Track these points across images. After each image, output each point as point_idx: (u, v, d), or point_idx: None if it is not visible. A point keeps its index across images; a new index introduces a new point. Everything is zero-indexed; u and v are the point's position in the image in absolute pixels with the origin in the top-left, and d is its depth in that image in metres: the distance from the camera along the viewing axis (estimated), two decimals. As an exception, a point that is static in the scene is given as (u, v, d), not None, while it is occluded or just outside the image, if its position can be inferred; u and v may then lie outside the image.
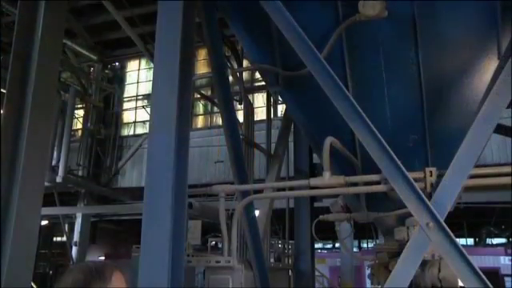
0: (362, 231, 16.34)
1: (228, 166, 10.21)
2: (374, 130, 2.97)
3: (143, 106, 15.84)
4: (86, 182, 13.96)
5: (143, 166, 12.66)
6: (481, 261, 12.86)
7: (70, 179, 12.97)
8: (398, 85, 3.72)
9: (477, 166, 3.05)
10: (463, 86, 3.72)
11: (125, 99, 16.72)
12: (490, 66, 3.60)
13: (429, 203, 2.81)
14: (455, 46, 3.62)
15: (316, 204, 6.62)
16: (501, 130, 5.49)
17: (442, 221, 2.78)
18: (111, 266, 1.70)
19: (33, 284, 10.78)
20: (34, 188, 3.61)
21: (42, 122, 3.73)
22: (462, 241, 18.24)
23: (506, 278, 13.03)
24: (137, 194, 13.34)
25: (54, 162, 12.20)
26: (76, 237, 14.08)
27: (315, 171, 6.31)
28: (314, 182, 3.37)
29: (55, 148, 12.27)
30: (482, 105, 2.96)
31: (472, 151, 2.89)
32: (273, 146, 7.65)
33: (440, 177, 2.97)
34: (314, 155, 6.59)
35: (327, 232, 5.72)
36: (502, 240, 18.78)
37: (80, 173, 14.08)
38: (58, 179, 12.12)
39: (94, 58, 15.33)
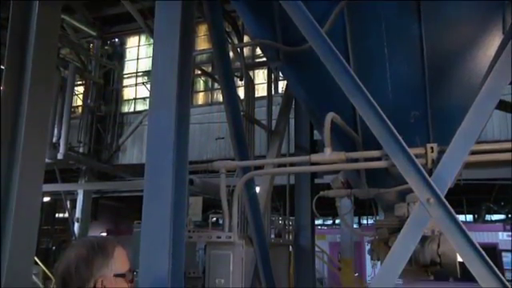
0: (362, 208, 16.43)
1: (229, 142, 10.21)
2: (376, 105, 2.96)
3: (143, 83, 15.76)
4: (87, 159, 13.99)
5: (144, 142, 12.69)
6: (479, 237, 12.98)
7: (71, 156, 13.00)
8: (400, 60, 3.68)
9: (477, 143, 3.05)
10: (466, 61, 3.68)
11: (125, 76, 16.63)
12: (494, 41, 3.55)
13: (429, 179, 2.81)
14: (459, 21, 3.57)
15: (316, 180, 6.64)
16: (502, 106, 5.46)
17: (442, 197, 2.79)
18: (113, 242, 1.71)
19: (36, 259, 10.89)
20: (34, 164, 3.61)
21: (42, 97, 3.70)
22: (461, 217, 18.35)
23: (504, 254, 13.18)
24: (138, 170, 13.38)
25: (54, 139, 12.20)
26: (78, 213, 14.19)
27: (316, 148, 6.30)
28: (314, 158, 3.37)
29: (56, 125, 12.26)
30: (485, 80, 2.94)
31: (474, 127, 2.88)
32: (273, 122, 7.64)
33: (441, 153, 2.96)
34: (315, 132, 6.57)
35: (327, 208, 5.75)
36: (501, 216, 18.92)
37: (81, 150, 14.11)
38: (59, 156, 12.14)
39: (94, 33, 15.18)
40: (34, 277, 11.17)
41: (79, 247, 1.64)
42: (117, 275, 1.63)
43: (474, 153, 3.01)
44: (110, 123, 15.15)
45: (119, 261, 1.66)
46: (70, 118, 12.79)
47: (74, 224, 14.11)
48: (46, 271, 12.31)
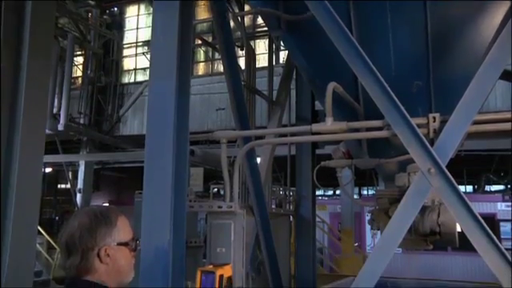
0: (362, 178, 16.51)
1: (230, 113, 10.17)
2: (378, 74, 2.93)
3: (143, 53, 15.61)
4: (88, 130, 13.99)
5: (144, 113, 12.64)
6: (478, 207, 13.09)
7: (72, 127, 12.99)
8: (403, 30, 3.62)
9: (479, 113, 3.03)
10: (470, 30, 3.63)
11: (124, 46, 16.46)
12: (500, 9, 3.48)
13: (431, 149, 2.81)
14: (464, -11, 3.50)
15: (317, 151, 6.64)
16: (506, 76, 5.40)
17: (443, 167, 2.79)
18: (116, 211, 1.72)
19: (40, 229, 11.03)
20: (35, 135, 3.60)
21: (40, 68, 3.67)
22: (461, 188, 18.38)
23: (502, 223, 13.32)
24: (139, 141, 13.40)
25: (55, 110, 12.17)
26: (79, 184, 14.27)
27: (317, 118, 6.28)
28: (316, 127, 3.36)
29: (56, 96, 12.20)
30: (489, 50, 2.90)
31: (477, 97, 2.86)
32: (274, 93, 7.59)
33: (443, 123, 2.95)
34: (316, 102, 6.54)
35: (328, 179, 5.78)
36: (501, 187, 19.02)
37: (82, 121, 14.08)
38: (60, 127, 12.14)
39: (92, 2, 14.96)
40: (38, 246, 11.34)
41: (82, 216, 1.64)
42: (120, 244, 1.64)
43: (475, 123, 3.00)
44: (111, 94, 15.08)
45: (122, 230, 1.67)
46: (70, 88, 12.72)
47: (76, 195, 14.22)
48: (50, 241, 12.48)
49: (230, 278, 1.89)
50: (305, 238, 6.35)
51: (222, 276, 1.85)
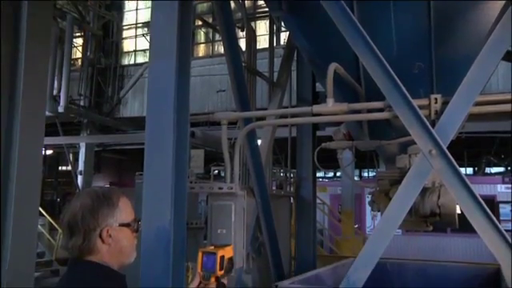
0: (362, 160, 16.53)
1: (230, 95, 10.13)
2: (379, 55, 2.90)
3: (143, 35, 15.49)
4: (88, 112, 13.96)
5: (144, 95, 12.58)
6: (478, 189, 13.12)
7: (72, 109, 12.97)
8: (405, 10, 3.58)
9: (481, 95, 3.01)
10: (474, 11, 3.59)
11: (124, 27, 16.33)
12: (504, -11, 3.44)
13: (432, 130, 2.80)
14: (467, -32, 3.45)
15: (318, 133, 6.63)
16: (509, 57, 5.36)
17: (444, 148, 2.78)
18: (117, 191, 1.71)
19: (42, 210, 11.09)
20: (35, 117, 3.59)
21: (39, 48, 3.64)
22: (461, 170, 18.45)
23: (502, 205, 13.39)
24: (139, 123, 13.38)
25: (55, 92, 12.12)
26: (81, 166, 14.30)
27: (318, 100, 6.25)
28: (316, 108, 3.34)
29: (55, 77, 12.15)
30: (493, 31, 2.87)
31: (479, 78, 2.84)
32: (275, 75, 7.55)
33: (445, 104, 2.93)
34: (317, 84, 6.51)
35: (329, 161, 5.78)
36: (501, 169, 19.05)
37: (82, 103, 14.05)
38: (60, 109, 12.10)
39: (91, -18, 14.80)
40: (40, 228, 11.42)
41: (84, 197, 1.64)
42: (122, 225, 1.64)
43: (476, 104, 2.98)
44: (111, 76, 15.01)
45: (124, 210, 1.67)
46: (69, 70, 12.65)
47: (77, 177, 14.25)
48: (52, 222, 12.56)
49: (231, 259, 1.90)
50: (305, 220, 6.37)
51: (223, 257, 1.85)
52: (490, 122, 9.96)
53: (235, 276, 4.67)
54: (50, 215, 12.62)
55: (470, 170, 20.40)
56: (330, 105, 3.26)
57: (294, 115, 4.47)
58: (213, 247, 1.90)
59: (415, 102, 2.87)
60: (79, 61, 15.13)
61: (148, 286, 3.15)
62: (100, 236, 1.59)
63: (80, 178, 14.14)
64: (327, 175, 23.69)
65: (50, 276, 11.09)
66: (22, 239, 3.27)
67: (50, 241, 12.52)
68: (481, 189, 13.36)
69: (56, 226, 12.22)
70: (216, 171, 8.44)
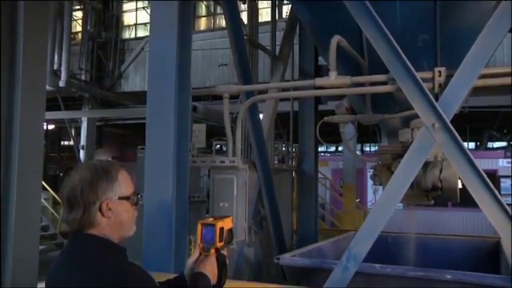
0: (364, 135, 16.50)
1: (232, 69, 10.05)
2: (383, 27, 2.86)
3: (144, 8, 15.30)
4: (90, 87, 13.89)
5: (146, 69, 12.47)
6: (480, 164, 13.13)
7: (73, 83, 12.90)
8: (410, -20, 3.52)
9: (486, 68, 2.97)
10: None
11: (124, 0, 16.11)
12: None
13: (436, 103, 2.78)
14: None
15: (320, 107, 6.60)
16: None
17: (448, 122, 2.76)
18: (116, 165, 1.70)
19: (45, 184, 11.15)
20: (35, 91, 3.56)
21: (38, 22, 3.58)
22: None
23: (503, 179, 13.42)
24: (141, 97, 13.32)
25: (55, 66, 12.04)
26: (82, 141, 14.31)
27: (320, 73, 6.20)
28: (319, 82, 3.31)
29: (56, 52, 12.05)
30: (499, 3, 2.81)
31: (484, 51, 2.80)
32: (277, 48, 7.47)
33: (449, 77, 2.90)
34: (320, 58, 6.45)
35: (331, 135, 5.77)
36: (503, 144, 19.03)
37: (83, 77, 13.97)
38: (61, 83, 12.04)
39: (90, -46, 14.53)
40: (44, 202, 11.51)
41: (83, 171, 1.63)
42: (121, 198, 1.64)
43: (480, 77, 2.95)
44: (111, 50, 14.87)
45: (123, 184, 1.66)
46: (69, 44, 12.53)
47: (79, 151, 14.28)
48: (56, 196, 12.65)
49: (230, 230, 1.89)
50: (307, 194, 6.40)
51: (222, 228, 1.84)
52: (493, 97, 9.89)
53: (237, 249, 4.72)
54: (53, 189, 12.69)
55: (472, 145, 20.39)
56: (333, 78, 3.23)
57: (296, 88, 4.44)
58: (212, 219, 1.89)
59: (419, 75, 2.84)
60: (79, 35, 14.98)
61: (151, 259, 3.18)
62: (100, 209, 1.59)
63: (82, 153, 14.17)
64: (329, 150, 23.72)
65: (54, 249, 11.24)
66: (25, 214, 3.29)
67: (54, 215, 12.64)
68: (482, 163, 13.36)
69: (59, 200, 12.30)
70: (218, 146, 8.44)
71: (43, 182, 4.92)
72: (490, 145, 19.12)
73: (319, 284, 3.04)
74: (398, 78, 2.88)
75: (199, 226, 1.86)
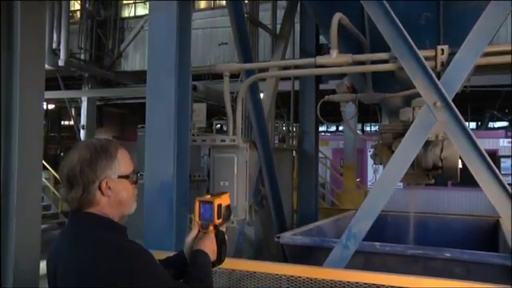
0: (365, 115, 16.46)
1: (232, 48, 9.97)
2: (386, 4, 2.82)
3: (143, -14, 15.11)
4: (89, 66, 13.79)
5: (146, 48, 12.37)
6: (481, 143, 13.13)
7: (73, 63, 12.80)
8: (413, -44, 3.46)
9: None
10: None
11: (123, -22, 15.90)
12: None
13: (438, 82, 2.76)
14: None
15: (321, 86, 6.56)
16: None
17: (450, 100, 2.75)
18: (115, 143, 1.70)
19: (46, 164, 11.18)
20: (34, 69, 3.54)
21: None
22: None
23: (503, 159, 13.44)
24: (141, 77, 13.25)
25: (54, 45, 11.94)
26: (83, 120, 14.29)
27: (321, 52, 6.14)
28: (320, 60, 3.29)
29: (54, 30, 11.94)
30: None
31: (488, 28, 2.76)
32: (278, 27, 7.38)
33: (451, 55, 2.87)
34: (321, 37, 6.38)
35: (331, 115, 5.75)
36: (504, 124, 18.99)
37: (82, 56, 13.87)
38: (60, 63, 11.95)
39: None
40: (45, 181, 11.55)
41: (82, 150, 1.63)
42: (121, 176, 1.64)
43: (484, 55, 2.92)
44: (111, 28, 14.71)
45: (123, 162, 1.65)
46: (68, 23, 12.41)
47: (79, 131, 14.27)
48: (57, 176, 12.68)
49: (228, 207, 1.89)
50: (307, 173, 6.41)
51: (220, 205, 1.84)
52: (495, 76, 9.82)
53: (238, 228, 4.74)
54: (53, 169, 12.73)
55: (472, 125, 20.36)
56: (334, 56, 3.20)
57: (297, 67, 4.41)
58: (209, 196, 1.89)
59: (421, 53, 2.81)
60: (78, 13, 14.81)
61: (152, 237, 3.20)
62: (99, 188, 1.59)
63: (83, 133, 14.16)
64: (330, 129, 23.70)
65: (56, 228, 11.32)
66: (27, 193, 3.30)
67: (55, 194, 12.70)
68: (483, 143, 13.31)
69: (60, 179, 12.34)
70: (218, 125, 8.44)
71: (44, 162, 4.92)
72: (490, 125, 19.09)
73: (319, 262, 3.06)
74: (399, 56, 2.85)
75: (197, 204, 1.86)
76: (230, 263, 2.94)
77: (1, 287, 3.13)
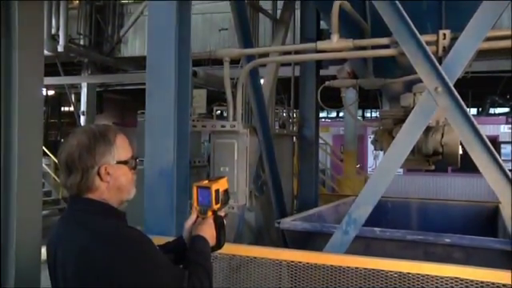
0: (366, 101, 16.44)
1: (233, 33, 9.91)
2: (388, -12, 2.79)
3: (142, -30, 14.96)
4: (89, 52, 13.73)
5: (146, 34, 12.24)
6: (481, 129, 13.11)
7: (72, 48, 12.73)
8: None
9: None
10: None
11: (122, -38, 15.74)
12: None
13: (439, 67, 2.74)
14: None
15: (322, 72, 6.52)
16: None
17: (451, 85, 2.73)
18: (114, 129, 1.69)
19: (46, 150, 11.19)
20: (33, 54, 3.51)
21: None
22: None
23: (503, 145, 13.45)
24: (141, 63, 13.19)
25: (53, 31, 11.87)
26: (83, 106, 14.26)
27: (322, 37, 6.09)
28: (321, 45, 3.26)
29: (53, 16, 11.86)
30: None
31: (491, 12, 2.73)
32: (279, 12, 7.32)
33: (454, 40, 2.85)
34: (322, 23, 6.33)
35: (332, 101, 5.72)
36: (505, 110, 18.95)
37: (81, 42, 13.79)
38: (59, 48, 11.89)
39: None
40: (46, 167, 11.57)
41: (80, 135, 1.62)
42: (120, 162, 1.63)
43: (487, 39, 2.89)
44: (110, 14, 14.60)
45: (121, 148, 1.65)
46: (67, 8, 12.33)
47: (79, 117, 14.26)
48: (57, 162, 12.71)
49: (226, 191, 1.89)
50: (307, 159, 6.40)
51: (217, 190, 1.84)
52: (497, 61, 9.77)
53: (238, 213, 4.75)
54: (54, 155, 12.74)
55: (473, 111, 20.31)
56: (335, 41, 3.17)
57: (297, 52, 4.38)
58: (207, 181, 1.89)
59: (423, 38, 2.79)
60: (76, -3, 14.71)
61: (152, 223, 3.21)
62: (98, 174, 1.59)
63: (83, 119, 14.15)
64: (330, 115, 23.67)
65: (57, 214, 11.37)
66: (27, 179, 3.30)
67: (56, 180, 12.73)
68: (483, 129, 13.30)
69: (60, 165, 12.34)
70: (218, 111, 8.42)
71: (44, 148, 4.91)
72: (491, 111, 19.04)
73: (319, 248, 3.07)
74: (401, 41, 2.83)
75: (194, 189, 1.86)
76: (230, 249, 2.95)
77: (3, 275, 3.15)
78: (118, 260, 1.46)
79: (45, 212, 9.64)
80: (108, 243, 1.49)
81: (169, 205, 3.18)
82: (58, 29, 11.97)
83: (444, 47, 2.90)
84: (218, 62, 6.62)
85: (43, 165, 8.32)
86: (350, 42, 3.18)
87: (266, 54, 4.94)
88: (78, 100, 14.79)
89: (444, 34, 2.91)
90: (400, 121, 3.65)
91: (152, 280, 1.48)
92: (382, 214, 4.74)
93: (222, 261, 2.97)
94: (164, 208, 3.20)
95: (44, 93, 16.12)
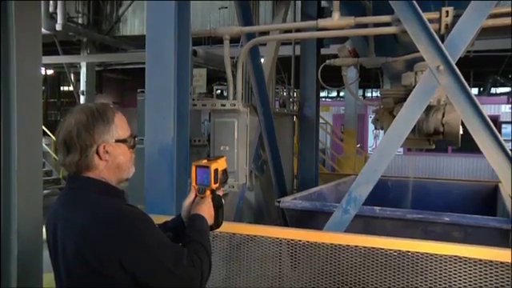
0: (366, 80, 16.32)
1: (233, 11, 9.80)
2: (390, -36, 2.74)
3: None
4: (87, 31, 13.61)
5: (145, 12, 12.08)
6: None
7: (71, 27, 12.61)
8: None
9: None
10: None
11: None
12: None
13: (441, 45, 2.71)
14: None
15: (323, 51, 6.47)
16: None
17: (453, 64, 2.70)
18: (112, 108, 1.67)
19: (46, 130, 11.17)
20: (31, 34, 3.47)
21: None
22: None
23: (504, 125, 13.43)
24: (140, 42, 13.07)
25: (51, 9, 11.75)
26: (82, 86, 14.20)
27: (323, 16, 6.03)
28: (322, 22, 3.22)
29: (51, -7, 11.74)
30: None
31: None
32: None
33: (456, 18, 2.81)
34: (323, 2, 6.26)
35: (332, 80, 5.69)
36: (507, 89, 18.86)
37: (80, 20, 13.66)
38: (58, 27, 11.77)
39: None
40: (46, 147, 11.58)
41: (79, 114, 1.60)
42: (118, 140, 1.62)
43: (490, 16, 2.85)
44: (108, -8, 14.45)
45: (120, 126, 1.64)
46: (65, -15, 12.19)
47: (79, 97, 14.21)
48: (58, 142, 12.70)
49: (225, 171, 1.89)
50: (308, 139, 6.40)
51: (216, 170, 1.84)
52: (499, 40, 9.67)
53: (238, 192, 4.76)
54: (54, 135, 12.72)
55: (475, 91, 20.22)
56: (336, 18, 3.13)
57: (298, 30, 4.33)
58: (206, 161, 1.88)
59: (425, 16, 2.75)
60: (74, -26, 14.51)
61: (152, 201, 3.22)
62: (97, 152, 1.58)
63: (82, 98, 14.10)
64: (331, 95, 23.58)
65: (58, 193, 11.40)
66: (27, 159, 3.29)
67: (56, 159, 12.74)
68: (485, 109, 13.31)
69: (60, 144, 12.34)
70: (219, 91, 8.37)
71: (44, 128, 4.90)
72: (493, 90, 18.95)
73: (319, 226, 3.09)
74: (403, 19, 2.79)
75: (193, 169, 1.86)
76: (230, 227, 2.96)
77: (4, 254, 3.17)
78: (119, 238, 1.47)
79: (45, 191, 9.68)
80: (108, 222, 1.49)
81: (169, 184, 3.19)
82: (55, 7, 11.84)
83: (446, 25, 2.87)
84: (218, 41, 6.55)
85: (43, 144, 8.33)
86: (351, 20, 3.14)
87: (266, 33, 4.88)
88: (78, 80, 14.73)
89: (447, 12, 2.87)
90: (401, 100, 3.63)
91: (152, 257, 1.49)
92: (382, 194, 4.75)
93: (222, 239, 2.99)
94: (164, 187, 3.21)
95: (43, 72, 16.03)
